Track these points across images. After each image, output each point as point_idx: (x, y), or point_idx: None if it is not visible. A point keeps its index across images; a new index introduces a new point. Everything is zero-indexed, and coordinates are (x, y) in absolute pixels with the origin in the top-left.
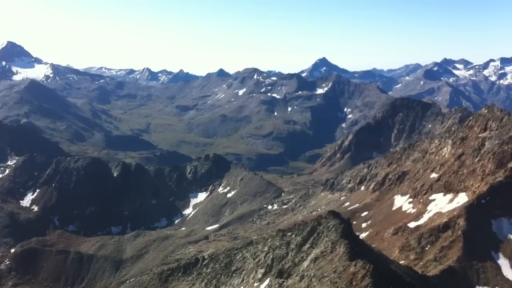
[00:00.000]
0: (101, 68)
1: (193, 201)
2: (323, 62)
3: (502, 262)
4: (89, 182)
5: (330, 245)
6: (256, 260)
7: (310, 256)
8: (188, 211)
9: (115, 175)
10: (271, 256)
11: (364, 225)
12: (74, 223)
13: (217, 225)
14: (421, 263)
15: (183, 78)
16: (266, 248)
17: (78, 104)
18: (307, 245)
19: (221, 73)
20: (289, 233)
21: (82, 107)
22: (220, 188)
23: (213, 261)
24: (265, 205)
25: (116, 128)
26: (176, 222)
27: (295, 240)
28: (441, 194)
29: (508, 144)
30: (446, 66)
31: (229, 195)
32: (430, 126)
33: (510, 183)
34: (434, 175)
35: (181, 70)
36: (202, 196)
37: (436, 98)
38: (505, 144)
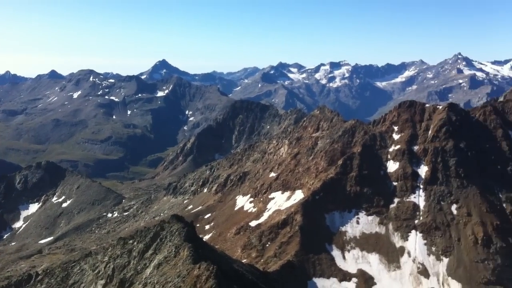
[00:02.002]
0: None
1: (24, 213)
2: (163, 64)
3: (335, 253)
4: None
5: (173, 250)
6: (96, 271)
7: (153, 263)
8: (18, 224)
9: None
10: (111, 266)
11: (207, 227)
12: None
13: (52, 238)
14: (262, 260)
15: (10, 80)
16: (106, 258)
17: None
18: (150, 252)
19: (53, 75)
20: (131, 241)
21: None
22: (55, 198)
23: (48, 276)
24: (105, 213)
25: None
26: (5, 237)
27: (137, 247)
28: (280, 192)
29: (338, 143)
30: (281, 69)
31: (64, 204)
32: (268, 127)
33: (341, 179)
34: (273, 174)
35: (8, 72)
36: (34, 207)
37: (273, 100)
38: (335, 143)
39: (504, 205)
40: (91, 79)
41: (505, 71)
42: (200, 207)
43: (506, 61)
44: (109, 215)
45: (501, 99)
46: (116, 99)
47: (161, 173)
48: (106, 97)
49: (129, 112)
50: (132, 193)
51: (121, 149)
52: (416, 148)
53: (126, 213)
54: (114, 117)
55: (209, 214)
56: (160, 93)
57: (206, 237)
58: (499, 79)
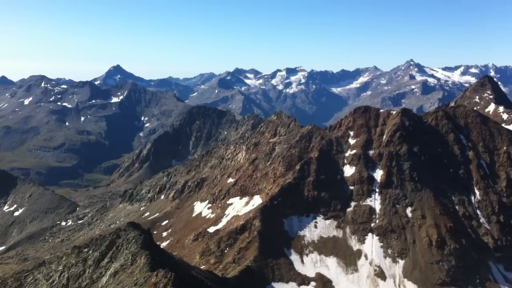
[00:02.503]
0: None
1: None
2: (117, 69)
3: (294, 257)
4: None
5: (130, 258)
6: (50, 281)
7: (109, 271)
8: None
9: None
10: (66, 276)
11: (165, 234)
12: None
13: (4, 247)
14: (221, 266)
15: None
16: (60, 268)
17: None
18: (106, 260)
19: (3, 81)
20: (86, 249)
21: None
22: (6, 207)
23: (1, 286)
24: (58, 222)
25: None
26: None
27: (92, 256)
28: (238, 197)
29: (295, 148)
30: (238, 75)
31: (16, 213)
32: (225, 133)
33: (298, 184)
34: (231, 180)
35: None
36: None
37: (230, 106)
38: (293, 148)
39: (457, 207)
40: (42, 85)
41: (455, 77)
42: (157, 214)
43: (456, 67)
44: (63, 223)
45: (452, 104)
46: (69, 105)
47: (116, 180)
48: (59, 103)
49: (82, 118)
50: (86, 201)
51: (75, 156)
52: (371, 152)
53: (80, 221)
54: (67, 123)
55: (166, 221)
56: (114, 99)
57: (163, 244)
58: (450, 85)
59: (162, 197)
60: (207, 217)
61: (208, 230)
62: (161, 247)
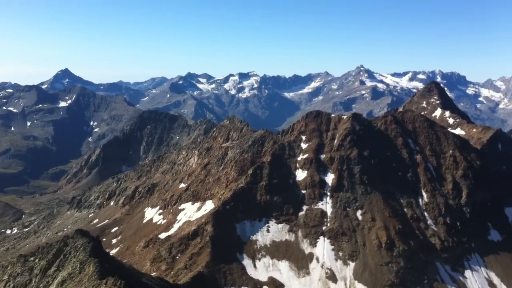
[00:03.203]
0: None
1: None
2: (65, 73)
3: (246, 262)
4: None
5: (78, 266)
6: None
7: (56, 280)
8: None
9: None
10: (12, 285)
11: (114, 241)
12: None
13: None
14: (172, 273)
15: None
16: (5, 277)
17: None
18: (53, 269)
19: None
20: (32, 258)
21: None
22: None
23: None
24: (3, 230)
25: None
26: None
27: (39, 264)
28: (190, 203)
29: (248, 153)
30: (190, 80)
31: None
32: (177, 137)
33: (251, 189)
34: (182, 185)
35: None
36: None
37: (182, 110)
38: (245, 153)
39: (405, 209)
40: None
41: (404, 82)
42: (107, 220)
43: (405, 73)
44: (8, 231)
45: (400, 109)
46: (15, 110)
47: (64, 186)
48: (4, 108)
49: (28, 123)
50: (32, 208)
51: (21, 162)
52: (323, 156)
53: (26, 229)
54: (12, 128)
55: (116, 228)
56: (62, 104)
57: (113, 252)
58: (399, 90)
59: (112, 203)
60: (158, 223)
61: (159, 236)
62: (111, 254)
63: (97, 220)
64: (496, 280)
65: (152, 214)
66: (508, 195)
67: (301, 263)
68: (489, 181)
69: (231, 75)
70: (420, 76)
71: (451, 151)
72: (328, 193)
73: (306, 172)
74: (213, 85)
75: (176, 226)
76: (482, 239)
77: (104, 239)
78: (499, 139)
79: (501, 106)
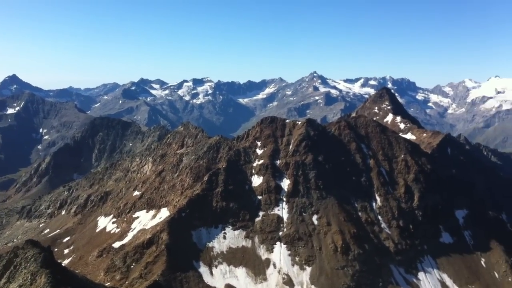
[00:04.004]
0: None
1: None
2: (13, 79)
3: (203, 269)
4: None
5: (29, 277)
6: None
7: None
8: None
9: None
10: None
11: (67, 251)
12: None
13: None
14: (127, 282)
15: None
16: None
17: None
18: (3, 280)
19: None
20: None
21: None
22: None
23: None
24: None
25: None
26: None
27: None
28: (144, 211)
29: (203, 159)
30: (143, 85)
31: None
32: (131, 144)
33: (207, 195)
34: (137, 193)
35: None
36: None
37: (135, 117)
38: (201, 159)
39: (360, 213)
40: None
41: (356, 88)
42: (58, 230)
43: (357, 79)
44: None
45: (353, 114)
46: None
47: (13, 195)
48: None
49: None
50: None
51: None
52: (278, 162)
53: None
54: None
55: (68, 238)
56: (10, 110)
57: (65, 262)
58: (351, 96)
59: (63, 212)
60: (111, 232)
61: (113, 245)
62: (63, 265)
63: (48, 230)
64: (448, 281)
65: (106, 223)
66: (458, 198)
67: (258, 269)
68: (439, 185)
69: (185, 81)
70: (372, 82)
71: (402, 156)
72: (284, 199)
73: (262, 178)
74: (166, 91)
75: (130, 235)
76: (434, 242)
77: (56, 249)
78: (448, 144)
79: (449, 111)
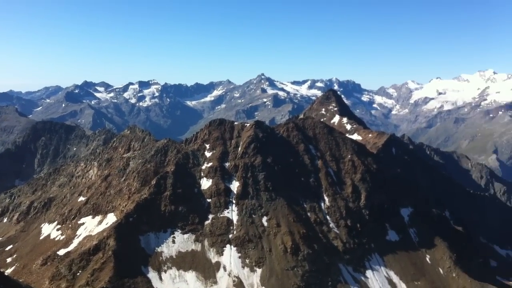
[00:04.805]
0: None
1: None
2: None
3: (152, 275)
4: None
5: None
6: None
7: None
8: None
9: None
10: None
11: (9, 259)
12: None
13: None
14: None
15: None
16: None
17: None
18: None
19: None
20: None
21: None
22: None
23: None
24: None
25: None
26: None
27: None
28: (90, 217)
29: (151, 163)
30: (87, 88)
31: None
32: (75, 149)
33: (155, 199)
34: (82, 199)
35: None
36: None
37: (79, 120)
38: (148, 163)
39: (309, 214)
40: None
41: (303, 90)
42: (0, 238)
43: (304, 81)
44: None
45: (301, 116)
46: None
47: None
48: None
49: None
50: None
51: None
52: (227, 164)
53: None
54: None
55: (10, 246)
56: None
57: (8, 271)
58: (299, 98)
59: (5, 220)
60: (56, 239)
61: (58, 253)
62: (6, 274)
63: None
64: (395, 278)
65: (50, 230)
66: (403, 197)
67: (208, 272)
68: (385, 184)
69: (131, 83)
70: (319, 84)
71: (349, 156)
72: (234, 201)
73: (211, 180)
74: (111, 94)
75: (76, 242)
76: (381, 240)
77: None
78: (393, 144)
79: (393, 112)
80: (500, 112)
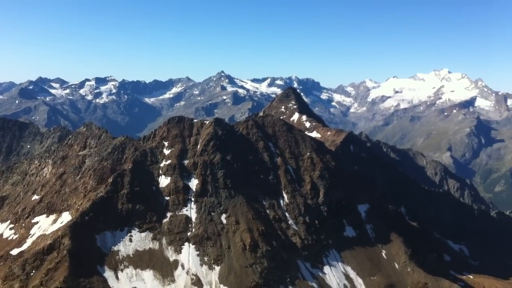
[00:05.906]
0: None
1: None
2: None
3: (108, 274)
4: None
5: None
6: None
7: None
8: None
9: None
10: None
11: None
12: None
13: None
14: None
15: None
16: None
17: None
18: None
19: None
20: None
21: None
22: None
23: None
24: None
25: None
26: None
27: None
28: (44, 215)
29: (107, 160)
30: (42, 85)
31: None
32: (29, 146)
33: (111, 198)
34: (36, 197)
35: None
36: None
37: (33, 117)
38: (105, 160)
39: (268, 211)
40: None
41: (263, 88)
42: None
43: (264, 79)
44: None
45: (261, 114)
46: None
47: None
48: None
49: None
50: None
51: None
52: (186, 162)
53: None
54: None
55: None
56: None
57: None
58: (259, 96)
59: None
60: (9, 238)
61: (10, 252)
62: None
63: None
64: (352, 274)
65: (2, 229)
66: (360, 193)
67: (166, 271)
68: (343, 181)
69: (87, 79)
70: (278, 82)
71: (308, 153)
72: (193, 199)
73: (169, 178)
74: (67, 90)
75: (29, 241)
76: (338, 236)
77: None
78: (351, 141)
79: (352, 110)
80: (454, 111)
